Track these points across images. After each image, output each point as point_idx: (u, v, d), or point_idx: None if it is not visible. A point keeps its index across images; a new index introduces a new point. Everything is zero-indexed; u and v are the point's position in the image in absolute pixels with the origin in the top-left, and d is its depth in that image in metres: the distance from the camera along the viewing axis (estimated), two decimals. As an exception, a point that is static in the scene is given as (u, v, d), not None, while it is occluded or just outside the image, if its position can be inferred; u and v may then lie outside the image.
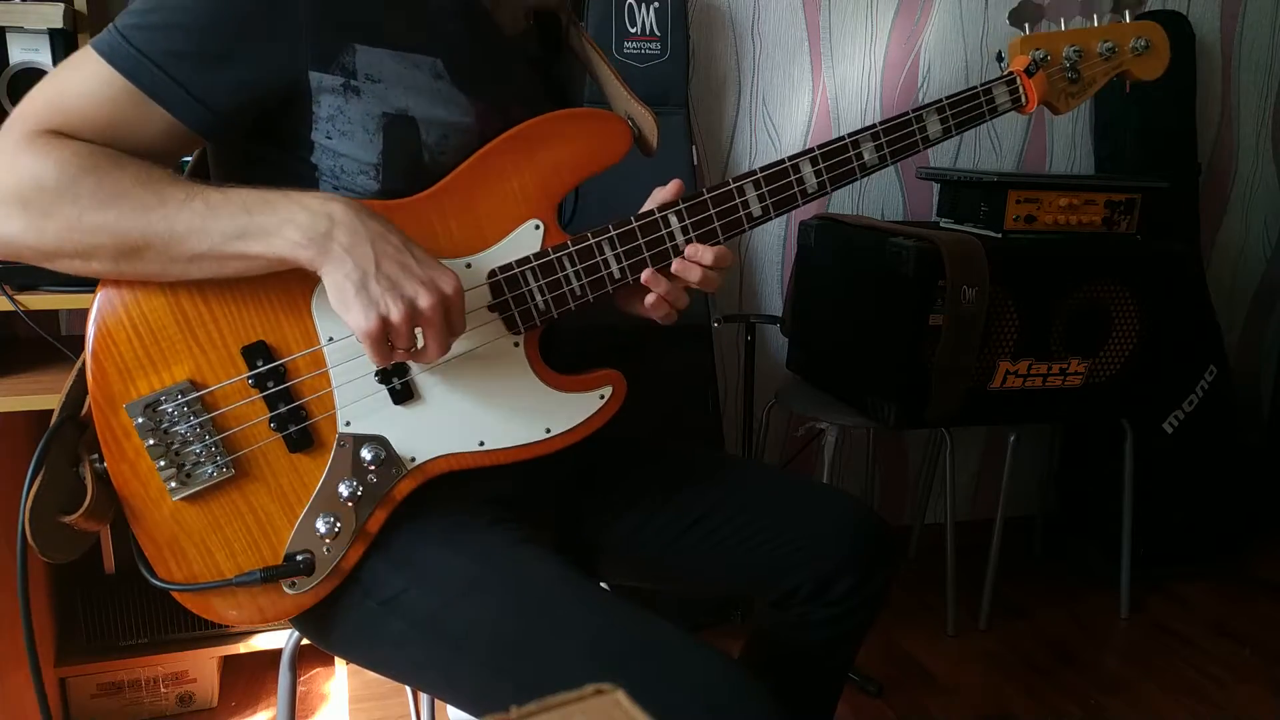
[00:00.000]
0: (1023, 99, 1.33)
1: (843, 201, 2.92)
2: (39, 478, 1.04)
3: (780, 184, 1.22)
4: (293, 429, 1.10)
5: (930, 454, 3.12)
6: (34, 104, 1.02)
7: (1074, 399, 2.52)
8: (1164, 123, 3.00)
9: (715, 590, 2.36)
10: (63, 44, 1.83)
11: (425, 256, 1.03)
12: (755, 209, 1.21)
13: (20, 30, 1.80)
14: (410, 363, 1.11)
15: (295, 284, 1.07)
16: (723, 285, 2.75)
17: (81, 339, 1.07)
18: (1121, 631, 2.77)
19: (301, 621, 1.21)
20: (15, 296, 1.72)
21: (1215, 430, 2.99)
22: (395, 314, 0.99)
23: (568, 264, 1.15)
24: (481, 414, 1.15)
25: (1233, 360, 3.27)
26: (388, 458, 1.12)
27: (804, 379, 2.76)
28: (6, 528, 1.87)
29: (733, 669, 1.03)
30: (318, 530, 1.09)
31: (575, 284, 1.16)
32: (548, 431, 1.18)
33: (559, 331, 1.27)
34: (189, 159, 1.28)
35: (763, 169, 1.21)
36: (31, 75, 1.80)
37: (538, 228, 1.15)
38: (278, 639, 2.18)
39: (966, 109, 1.29)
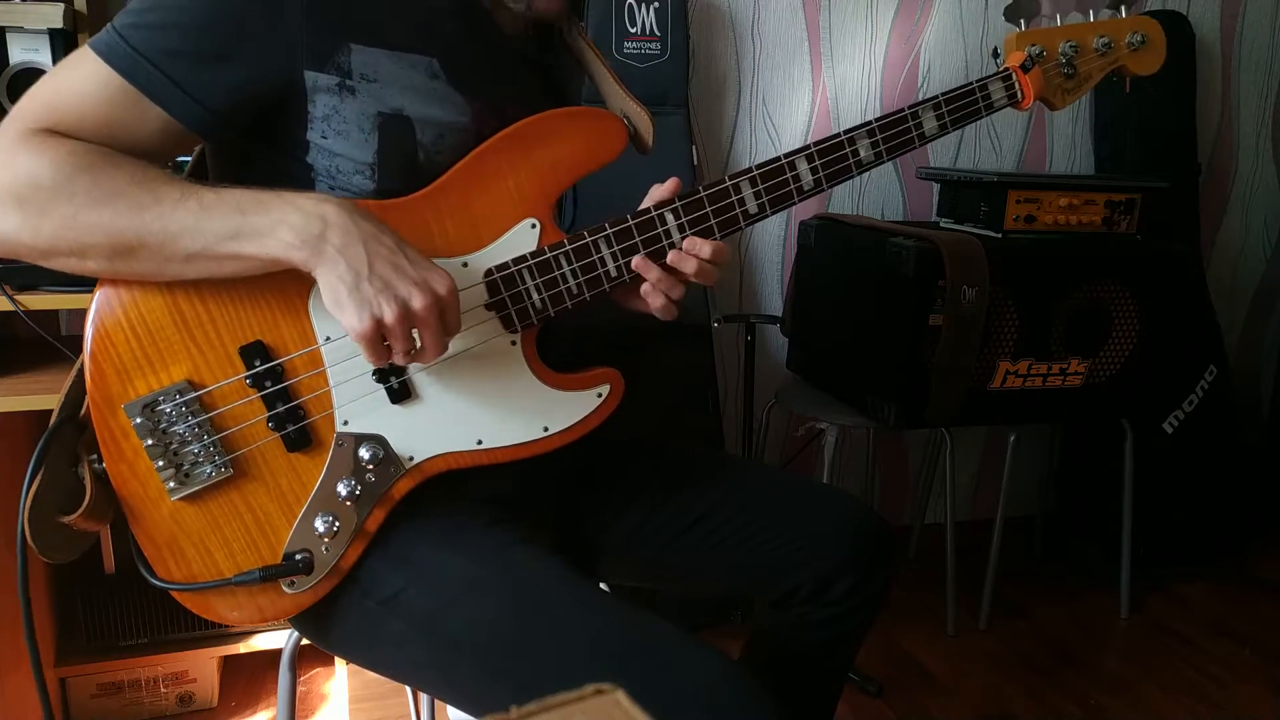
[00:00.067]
0: (1019, 95, 1.33)
1: (843, 201, 2.92)
2: (38, 478, 1.04)
3: (776, 181, 1.22)
4: (290, 428, 1.10)
5: (930, 454, 3.12)
6: (31, 103, 1.03)
7: (1074, 399, 2.52)
8: (1164, 123, 3.00)
9: (715, 590, 2.36)
10: (63, 44, 1.83)
11: (419, 257, 1.03)
12: (751, 206, 1.21)
13: (20, 30, 1.80)
14: (402, 364, 1.11)
15: (292, 284, 1.07)
16: (720, 280, 2.75)
17: (81, 339, 1.07)
18: (1121, 631, 2.77)
19: (301, 621, 1.21)
20: (15, 296, 1.73)
21: (1215, 430, 2.99)
22: (389, 315, 0.99)
23: (564, 262, 1.15)
24: (479, 413, 1.15)
25: (1233, 360, 3.26)
26: (386, 457, 1.12)
27: (804, 379, 2.76)
28: (6, 528, 1.88)
29: (732, 669, 1.03)
30: (316, 529, 1.10)
31: (572, 282, 1.16)
32: (545, 430, 1.18)
33: (556, 330, 1.27)
34: (189, 159, 1.28)
35: (759, 166, 1.21)
36: (31, 75, 1.80)
37: (534, 226, 1.15)
38: (278, 639, 2.18)
39: (962, 105, 1.29)
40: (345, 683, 2.17)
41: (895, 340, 2.34)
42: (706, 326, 2.62)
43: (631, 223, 1.17)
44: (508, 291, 1.14)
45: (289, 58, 1.06)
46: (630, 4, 2.51)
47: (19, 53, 1.81)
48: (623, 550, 1.35)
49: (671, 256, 1.18)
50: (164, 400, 1.06)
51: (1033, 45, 1.33)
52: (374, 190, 1.12)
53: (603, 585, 1.46)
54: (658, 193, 1.22)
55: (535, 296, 1.15)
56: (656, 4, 2.52)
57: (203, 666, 2.25)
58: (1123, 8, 1.37)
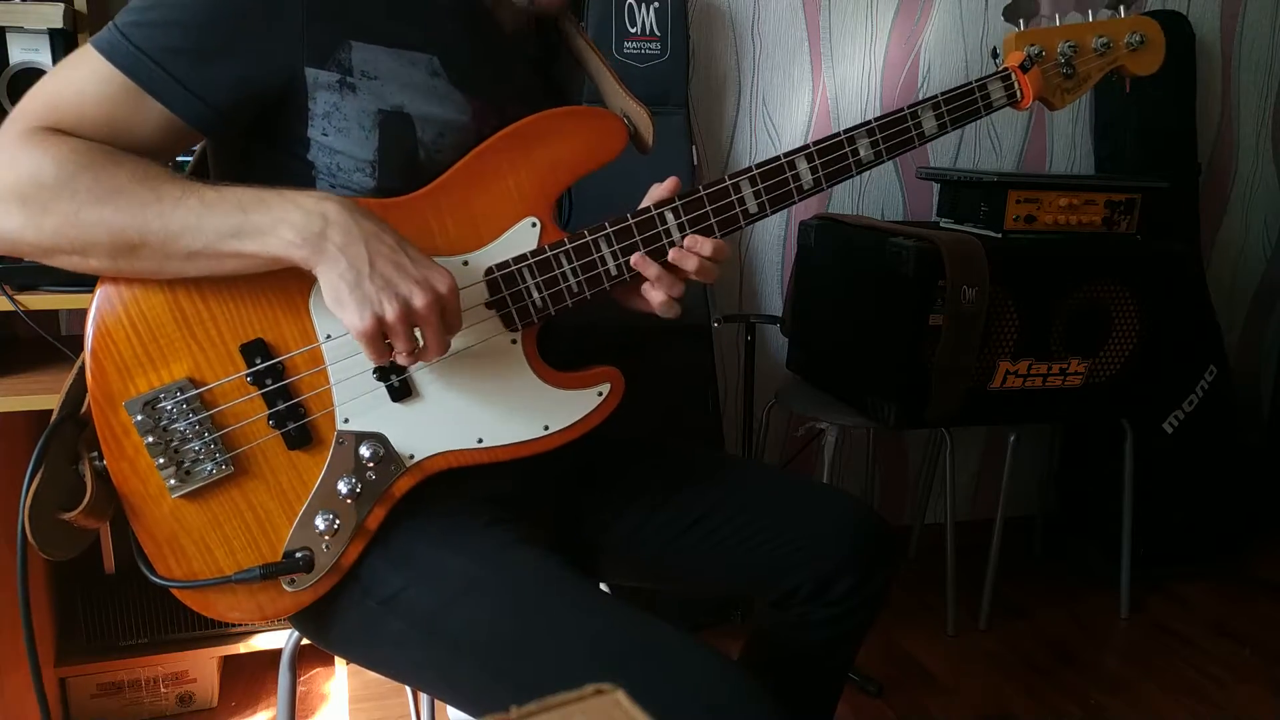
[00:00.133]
0: (1018, 94, 1.33)
1: (843, 201, 2.92)
2: (39, 475, 1.04)
3: (776, 180, 1.22)
4: (291, 426, 1.10)
5: (930, 454, 3.12)
6: (33, 101, 1.03)
7: (1074, 399, 2.52)
8: (1164, 123, 3.00)
9: (715, 590, 2.36)
10: (63, 44, 1.83)
11: (420, 255, 1.03)
12: (751, 205, 1.21)
13: (20, 30, 1.80)
14: (405, 364, 1.11)
15: (293, 282, 1.07)
16: (720, 279, 2.75)
17: (81, 338, 1.07)
18: (1121, 631, 2.77)
19: (301, 620, 1.21)
20: (15, 296, 1.72)
21: (1215, 430, 2.99)
22: (390, 313, 0.99)
23: (564, 261, 1.16)
24: (479, 411, 1.15)
25: (1233, 360, 3.27)
26: (386, 455, 1.12)
27: (804, 379, 2.76)
28: (6, 527, 1.88)
29: (732, 669, 1.03)
30: (317, 527, 1.10)
31: (572, 281, 1.16)
32: (546, 429, 1.18)
33: (557, 329, 1.27)
34: (189, 159, 1.28)
35: (758, 165, 1.21)
36: (31, 75, 1.80)
37: (534, 225, 1.15)
38: (278, 639, 2.18)
39: (962, 104, 1.29)
40: (345, 683, 2.17)
41: (895, 340, 2.34)
42: (706, 326, 2.62)
43: (631, 221, 1.18)
44: (508, 290, 1.14)
45: (290, 55, 1.06)
46: (630, 4, 2.51)
47: (19, 53, 1.81)
48: (623, 550, 1.35)
49: (672, 254, 1.18)
50: (165, 397, 1.06)
51: (1032, 45, 1.33)
52: (374, 188, 1.12)
53: (603, 585, 1.46)
54: (657, 192, 1.22)
55: (535, 295, 1.15)
56: (656, 4, 2.53)
57: (203, 666, 2.25)
58: (1121, 8, 1.37)
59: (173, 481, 1.07)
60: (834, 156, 1.24)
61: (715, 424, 2.65)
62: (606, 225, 1.17)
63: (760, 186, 1.21)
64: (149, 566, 1.11)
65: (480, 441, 1.15)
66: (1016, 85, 1.32)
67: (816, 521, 1.32)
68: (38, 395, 1.68)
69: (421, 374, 1.13)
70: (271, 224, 0.99)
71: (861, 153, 1.24)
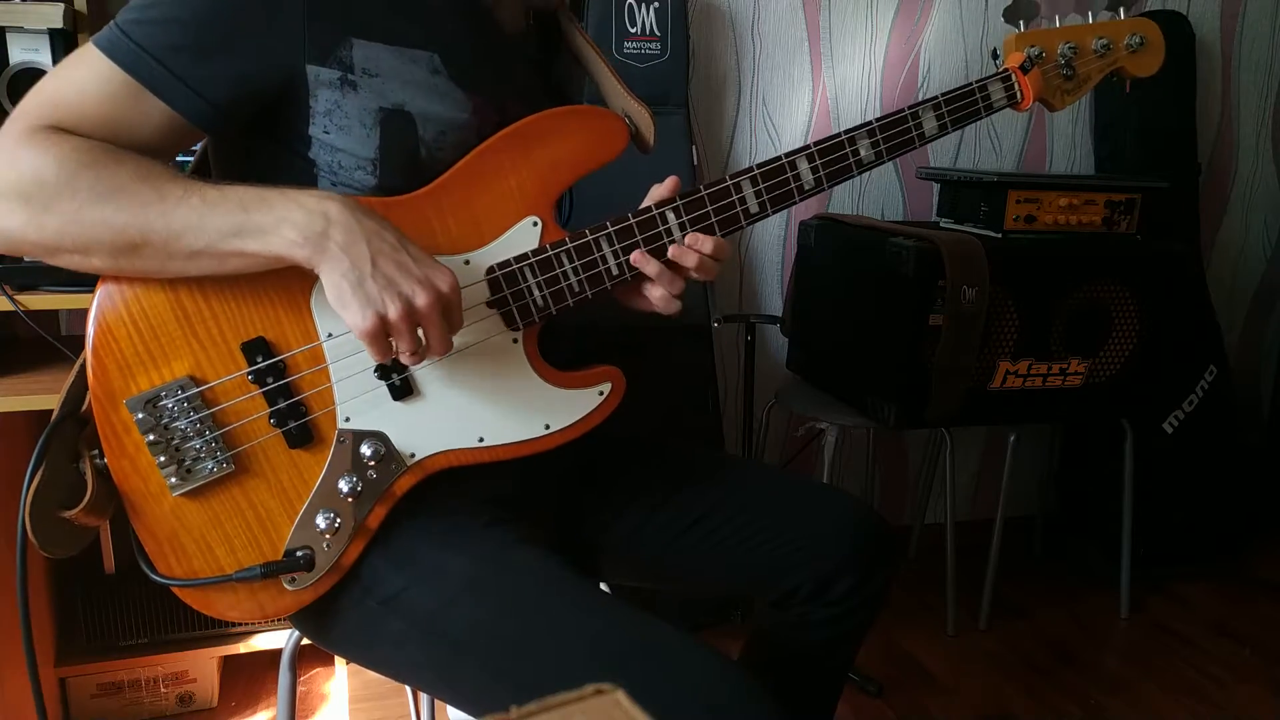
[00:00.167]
0: (1018, 96, 1.33)
1: (843, 201, 2.92)
2: (39, 473, 1.04)
3: (777, 180, 1.22)
4: (292, 425, 1.10)
5: (930, 454, 3.12)
6: (35, 100, 1.03)
7: (1074, 399, 2.52)
8: (1164, 123, 3.00)
9: (715, 590, 2.36)
10: (63, 44, 1.83)
11: (421, 254, 1.03)
12: (752, 205, 1.21)
13: (20, 30, 1.80)
14: (410, 364, 1.11)
15: (295, 280, 1.07)
16: (719, 277, 2.75)
17: (81, 338, 1.07)
18: (1121, 631, 2.77)
19: (301, 620, 1.21)
20: (15, 296, 1.72)
21: (1215, 430, 2.99)
22: (393, 312, 0.99)
23: (565, 260, 1.16)
24: (481, 410, 1.15)
25: (1233, 360, 3.27)
26: (387, 454, 1.12)
27: (804, 379, 2.76)
28: (6, 527, 1.88)
29: (732, 669, 1.02)
30: (318, 526, 1.10)
31: (573, 280, 1.16)
32: (547, 428, 1.18)
33: (557, 329, 1.27)
34: (190, 159, 1.28)
35: (760, 165, 1.21)
36: (31, 75, 1.80)
37: (535, 224, 1.15)
38: (278, 639, 2.18)
39: (962, 105, 1.29)
40: (345, 683, 2.17)
41: (895, 340, 2.34)
42: (706, 326, 2.62)
43: (633, 220, 1.18)
44: (509, 289, 1.14)
45: (290, 52, 1.06)
46: (630, 4, 2.51)
47: (19, 53, 1.81)
48: (623, 550, 1.35)
49: (673, 251, 1.18)
50: (166, 396, 1.06)
51: (1032, 46, 1.33)
52: (376, 186, 1.12)
53: (603, 585, 1.46)
54: (657, 192, 1.22)
55: (537, 294, 1.15)
56: (656, 4, 2.53)
57: (203, 666, 2.25)
58: (1121, 9, 1.38)
59: (173, 480, 1.07)
60: (835, 157, 1.24)
61: (715, 424, 2.65)
62: (608, 224, 1.17)
63: (761, 186, 1.21)
64: (149, 565, 1.11)
65: (481, 440, 1.15)
66: (1017, 86, 1.32)
67: (816, 521, 1.32)
68: (38, 395, 1.68)
69: (423, 373, 1.13)
70: (274, 223, 0.99)
71: (862, 153, 1.25)
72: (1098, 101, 3.04)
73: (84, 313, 1.06)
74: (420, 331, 1.03)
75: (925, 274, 2.26)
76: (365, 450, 1.10)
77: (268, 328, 1.08)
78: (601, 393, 1.20)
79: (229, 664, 2.39)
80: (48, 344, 1.84)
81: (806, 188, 1.23)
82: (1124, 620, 2.81)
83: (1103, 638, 2.73)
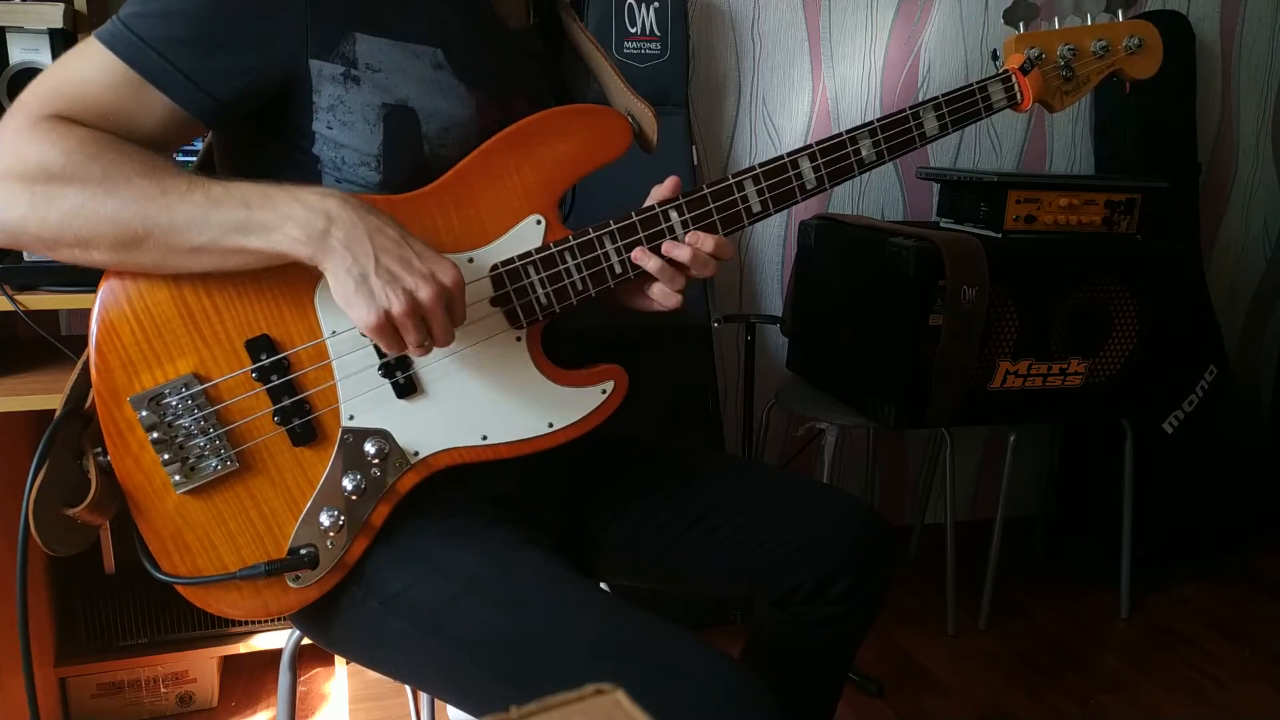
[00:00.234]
0: (1018, 97, 1.33)
1: (843, 201, 2.92)
2: (43, 471, 1.04)
3: (779, 179, 1.22)
4: (296, 422, 1.10)
5: (930, 454, 3.12)
6: (37, 91, 1.02)
7: (1074, 399, 2.53)
8: (1164, 123, 3.00)
9: (715, 590, 2.36)
10: (63, 44, 1.83)
11: (424, 249, 1.03)
12: (755, 204, 1.22)
13: (20, 30, 1.80)
14: (416, 357, 1.11)
15: (298, 278, 1.07)
16: (720, 277, 2.75)
17: (81, 339, 1.06)
18: (1121, 631, 2.77)
19: (302, 619, 1.21)
20: (15, 296, 1.72)
21: (1215, 430, 3.00)
22: (397, 307, 0.99)
23: (569, 258, 1.16)
24: (484, 408, 1.15)
25: (1233, 360, 3.27)
26: (391, 451, 1.12)
27: (804, 379, 2.76)
28: (6, 527, 1.87)
29: (733, 669, 1.02)
30: (322, 524, 1.10)
31: (576, 278, 1.16)
32: (550, 426, 1.18)
33: (560, 329, 1.27)
34: (193, 158, 1.28)
35: (762, 165, 1.21)
36: (31, 75, 1.78)
37: (539, 223, 1.15)
38: (278, 639, 2.18)
39: (962, 106, 1.30)
40: (345, 683, 2.17)
41: (895, 340, 2.34)
42: (706, 326, 2.62)
43: (636, 219, 1.18)
44: (513, 286, 1.15)
45: (293, 46, 1.06)
46: (630, 4, 2.52)
47: (19, 53, 1.81)
48: (623, 550, 1.35)
49: (666, 246, 1.18)
50: (170, 393, 1.06)
51: (1031, 48, 1.34)
52: (380, 182, 1.12)
53: (603, 585, 1.46)
54: (659, 192, 1.22)
55: (540, 292, 1.15)
56: (656, 4, 2.53)
57: (203, 666, 2.24)
58: (1119, 11, 1.38)
59: (177, 478, 1.07)
60: (836, 156, 1.24)
61: (715, 424, 2.65)
62: (611, 223, 1.17)
63: (764, 185, 1.22)
64: (153, 563, 1.10)
65: (485, 438, 1.15)
66: (1017, 87, 1.33)
67: (816, 521, 1.33)
68: (38, 395, 1.68)
69: (426, 371, 1.13)
70: (277, 220, 0.99)
71: (864, 153, 1.25)
72: (1098, 101, 3.04)
73: (85, 313, 1.06)
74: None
75: (925, 274, 2.27)
76: (369, 448, 1.10)
77: (272, 325, 1.08)
78: (604, 391, 1.20)
79: (229, 664, 2.39)
80: (48, 344, 1.84)
81: (808, 187, 1.24)
82: (1124, 620, 2.81)
83: (1103, 638, 2.73)
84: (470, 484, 1.18)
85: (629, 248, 1.17)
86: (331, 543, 1.11)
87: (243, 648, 2.18)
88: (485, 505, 1.19)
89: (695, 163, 2.61)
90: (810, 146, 1.23)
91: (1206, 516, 3.02)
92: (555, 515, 1.31)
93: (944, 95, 1.29)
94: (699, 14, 2.67)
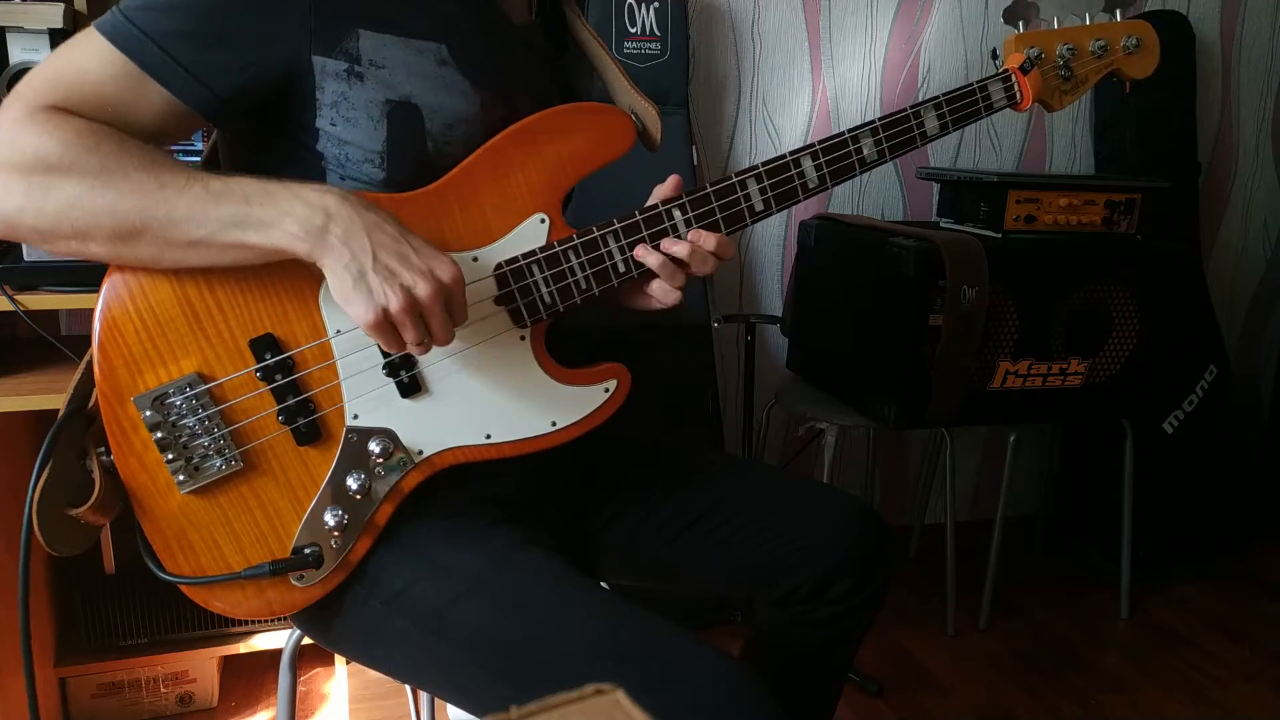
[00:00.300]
0: (1018, 96, 1.34)
1: (843, 201, 2.92)
2: (46, 471, 1.03)
3: (781, 178, 1.22)
4: (301, 422, 1.10)
5: (930, 454, 3.12)
6: (36, 80, 1.02)
7: (1074, 399, 2.53)
8: (1164, 123, 3.00)
9: (715, 590, 2.36)
10: (62, 44, 1.83)
11: (423, 245, 1.03)
12: (757, 203, 1.22)
13: (20, 30, 1.80)
14: (417, 355, 1.11)
15: (302, 276, 1.07)
16: (720, 277, 2.75)
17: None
18: (1121, 631, 2.77)
19: (303, 618, 1.21)
20: (15, 296, 1.72)
21: (1215, 430, 3.00)
22: (394, 304, 0.99)
23: (573, 257, 1.16)
24: (488, 407, 1.15)
25: (1233, 360, 3.27)
26: (395, 451, 1.12)
27: (804, 379, 2.76)
28: (6, 527, 1.87)
29: (734, 669, 1.02)
30: (326, 523, 1.09)
31: (580, 277, 1.16)
32: (554, 425, 1.18)
33: (562, 328, 1.27)
34: (196, 157, 1.28)
35: (764, 164, 1.22)
36: (32, 74, 1.80)
37: (543, 221, 1.15)
38: (278, 639, 2.18)
39: (963, 105, 1.30)
40: (345, 683, 2.17)
41: (895, 340, 2.34)
42: (706, 326, 2.62)
43: (639, 218, 1.18)
44: (517, 285, 1.15)
45: (295, 42, 1.06)
46: (630, 4, 2.52)
47: (19, 53, 1.81)
48: (623, 550, 1.36)
49: (668, 243, 1.18)
50: (174, 393, 1.06)
51: (1031, 47, 1.34)
52: (383, 180, 1.12)
53: (603, 584, 1.46)
54: (661, 191, 1.23)
55: (544, 290, 1.15)
56: (656, 4, 2.53)
57: (203, 666, 2.24)
58: (1117, 11, 1.39)
59: (181, 477, 1.07)
60: (838, 155, 1.24)
61: (715, 424, 2.65)
62: (615, 222, 1.17)
63: (766, 184, 1.22)
64: (157, 563, 1.10)
65: (489, 437, 1.15)
66: (1016, 87, 1.33)
67: (816, 521, 1.32)
68: (38, 395, 1.68)
69: (431, 370, 1.13)
70: (276, 216, 0.99)
71: (865, 151, 1.25)
72: (1097, 101, 3.04)
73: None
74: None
75: (925, 274, 2.27)
76: (373, 447, 1.10)
77: (276, 324, 1.08)
78: (607, 390, 1.20)
79: (229, 664, 2.39)
80: (48, 344, 1.84)
81: (811, 186, 1.24)
82: (1124, 620, 2.81)
83: (1103, 638, 2.73)
84: (472, 483, 1.18)
85: (632, 247, 1.17)
86: (335, 542, 1.11)
87: (243, 648, 2.18)
88: (487, 505, 1.19)
89: (695, 163, 2.61)
90: (812, 145, 1.23)
91: (1206, 516, 3.02)
92: (556, 515, 1.31)
93: (944, 94, 1.29)
94: (699, 14, 2.67)
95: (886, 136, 1.26)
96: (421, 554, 1.13)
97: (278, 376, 1.09)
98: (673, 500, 1.34)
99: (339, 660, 2.22)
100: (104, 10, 1.06)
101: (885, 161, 1.27)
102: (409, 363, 1.12)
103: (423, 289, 1.00)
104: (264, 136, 1.13)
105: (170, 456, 1.06)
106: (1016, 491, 3.18)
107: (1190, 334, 2.95)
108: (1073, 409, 2.56)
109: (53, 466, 1.04)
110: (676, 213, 1.19)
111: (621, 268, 1.18)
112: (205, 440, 1.07)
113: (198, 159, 1.29)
